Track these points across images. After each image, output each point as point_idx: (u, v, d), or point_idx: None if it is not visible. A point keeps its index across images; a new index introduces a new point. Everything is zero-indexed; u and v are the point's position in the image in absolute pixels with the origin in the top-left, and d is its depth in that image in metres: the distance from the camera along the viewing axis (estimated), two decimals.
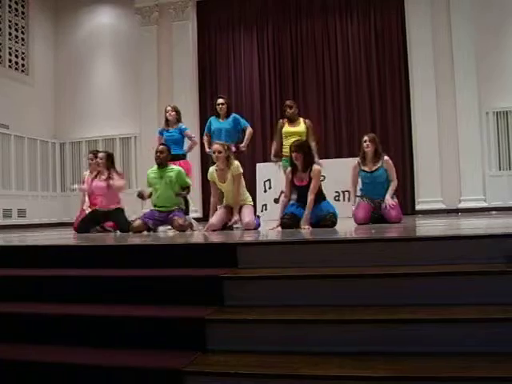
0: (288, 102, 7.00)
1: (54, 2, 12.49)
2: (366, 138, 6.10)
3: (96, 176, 6.83)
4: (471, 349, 2.50)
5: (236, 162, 5.83)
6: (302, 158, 5.46)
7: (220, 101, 7.04)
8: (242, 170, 5.87)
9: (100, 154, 6.87)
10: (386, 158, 6.05)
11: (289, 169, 5.66)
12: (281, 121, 6.97)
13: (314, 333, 2.69)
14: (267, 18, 11.21)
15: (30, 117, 11.45)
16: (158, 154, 6.17)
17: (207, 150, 6.86)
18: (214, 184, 5.92)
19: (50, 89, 12.33)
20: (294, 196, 5.58)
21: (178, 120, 7.17)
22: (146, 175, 6.45)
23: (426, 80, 9.95)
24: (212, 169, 5.95)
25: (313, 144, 6.44)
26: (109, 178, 6.65)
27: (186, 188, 6.31)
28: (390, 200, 5.88)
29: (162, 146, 6.29)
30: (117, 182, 6.65)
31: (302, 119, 6.91)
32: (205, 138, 7.14)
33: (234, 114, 7.10)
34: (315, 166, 5.50)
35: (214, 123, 7.01)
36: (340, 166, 8.37)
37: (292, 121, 6.83)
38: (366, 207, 5.93)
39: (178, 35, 11.23)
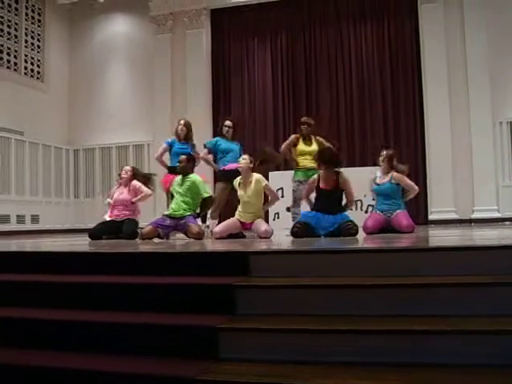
0: (306, 119, 6.81)
1: (70, 10, 12.65)
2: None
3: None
4: (484, 361, 2.48)
5: (258, 175, 5.90)
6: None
7: (228, 123, 7.02)
8: (264, 183, 5.91)
9: (126, 168, 7.10)
10: (394, 174, 6.15)
11: (315, 176, 5.88)
12: (293, 136, 6.79)
13: (327, 343, 2.68)
14: (281, 26, 11.27)
15: (44, 123, 11.57)
16: (179, 163, 6.34)
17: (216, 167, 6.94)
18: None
19: (65, 96, 12.46)
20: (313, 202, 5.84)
21: (188, 136, 7.12)
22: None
23: (440, 90, 9.92)
24: (238, 179, 6.03)
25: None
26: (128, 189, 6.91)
27: (206, 201, 6.34)
28: None
29: (183, 156, 6.38)
30: (144, 188, 6.94)
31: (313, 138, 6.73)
32: (207, 155, 7.03)
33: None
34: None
35: (223, 143, 6.94)
36: (352, 175, 8.30)
37: (307, 138, 6.69)
38: (378, 218, 5.98)
39: (192, 43, 11.31)
